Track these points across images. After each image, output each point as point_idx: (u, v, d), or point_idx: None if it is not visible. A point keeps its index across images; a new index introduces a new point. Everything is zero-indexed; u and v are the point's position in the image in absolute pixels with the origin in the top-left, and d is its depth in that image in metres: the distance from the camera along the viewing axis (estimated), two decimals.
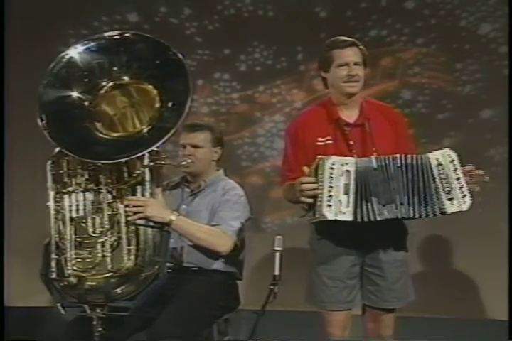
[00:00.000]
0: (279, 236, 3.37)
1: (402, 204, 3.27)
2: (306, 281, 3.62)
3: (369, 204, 3.26)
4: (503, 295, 4.86)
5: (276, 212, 5.37)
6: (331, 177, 3.23)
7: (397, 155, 3.29)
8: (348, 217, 3.23)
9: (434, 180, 3.29)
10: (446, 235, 5.05)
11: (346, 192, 3.24)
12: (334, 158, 3.26)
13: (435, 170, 3.29)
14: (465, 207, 3.30)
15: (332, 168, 3.24)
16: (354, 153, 3.44)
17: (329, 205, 3.22)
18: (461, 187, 3.29)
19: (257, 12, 5.42)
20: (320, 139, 3.51)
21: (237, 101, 5.49)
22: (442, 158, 3.31)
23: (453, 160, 3.31)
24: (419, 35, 5.26)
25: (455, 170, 3.30)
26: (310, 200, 3.28)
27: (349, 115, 3.56)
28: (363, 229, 3.36)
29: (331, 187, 3.23)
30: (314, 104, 3.73)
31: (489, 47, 5.17)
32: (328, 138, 3.51)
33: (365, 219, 3.25)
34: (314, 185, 3.26)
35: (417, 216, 3.29)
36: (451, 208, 3.29)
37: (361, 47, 3.55)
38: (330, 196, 3.23)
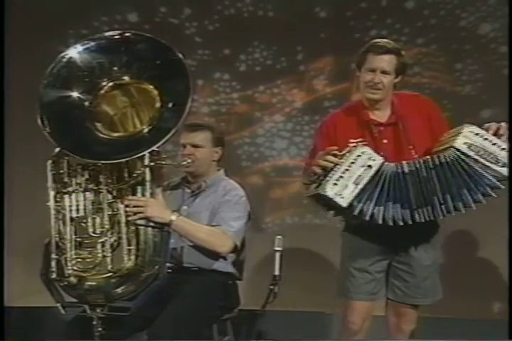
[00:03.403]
0: (279, 236, 3.39)
1: (442, 203, 3.31)
2: (337, 277, 3.66)
3: (381, 208, 3.31)
4: (503, 295, 4.86)
5: (276, 212, 5.38)
6: (353, 163, 3.29)
7: (428, 157, 3.32)
8: (343, 202, 3.27)
9: (476, 161, 3.31)
10: (446, 236, 5.04)
11: (356, 183, 3.27)
12: (366, 149, 3.32)
13: (471, 153, 3.31)
14: None
15: (359, 156, 3.30)
16: (387, 151, 3.45)
17: (335, 184, 3.26)
18: (503, 149, 3.32)
19: (257, 12, 5.42)
20: (352, 141, 3.51)
21: (237, 101, 5.49)
22: (467, 138, 3.32)
23: (477, 133, 3.33)
24: (419, 35, 5.26)
25: (485, 139, 3.32)
26: (319, 171, 3.32)
27: (380, 115, 3.60)
28: (396, 226, 3.38)
29: (347, 170, 3.28)
30: (346, 105, 3.78)
31: (489, 47, 5.17)
32: (360, 139, 3.52)
33: (355, 212, 3.29)
34: (335, 160, 3.30)
35: (472, 205, 3.33)
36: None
37: (402, 53, 3.56)
38: (341, 177, 3.27)
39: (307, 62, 5.35)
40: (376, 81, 3.51)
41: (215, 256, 3.68)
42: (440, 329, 4.73)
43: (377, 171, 3.31)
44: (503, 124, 3.41)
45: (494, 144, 3.32)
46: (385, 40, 3.60)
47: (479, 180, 3.30)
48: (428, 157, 3.34)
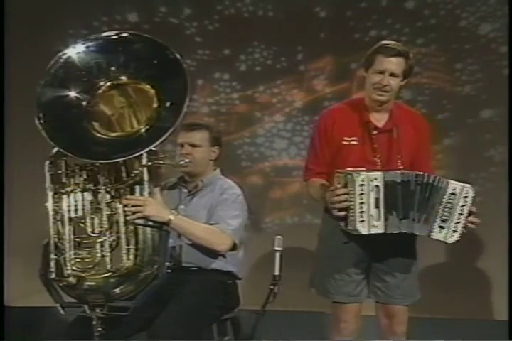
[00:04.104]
0: (279, 236, 3.39)
1: (414, 220, 3.37)
2: (312, 270, 3.66)
3: (392, 217, 3.36)
4: (503, 295, 4.87)
5: (276, 212, 5.38)
6: (362, 194, 3.32)
7: (421, 173, 3.37)
8: (380, 229, 3.34)
9: (439, 204, 3.36)
10: None
11: (377, 206, 3.34)
12: (363, 175, 3.33)
13: (446, 197, 3.36)
14: (449, 240, 3.40)
15: (362, 185, 3.32)
16: (378, 157, 3.48)
17: (362, 220, 3.33)
18: (457, 223, 3.37)
19: (257, 12, 5.42)
20: (346, 138, 3.56)
21: (237, 101, 5.48)
22: (460, 190, 3.37)
23: (466, 197, 3.38)
24: (419, 35, 5.25)
25: (463, 205, 3.37)
26: (342, 214, 3.38)
27: (378, 119, 3.61)
28: None
29: (362, 203, 3.32)
30: (347, 101, 3.78)
31: (489, 47, 5.17)
32: (354, 138, 3.56)
33: (394, 230, 3.35)
34: (345, 197, 3.34)
35: (420, 234, 3.42)
36: (437, 235, 3.39)
37: (410, 56, 3.55)
38: (362, 212, 3.33)
39: (307, 62, 5.35)
40: (385, 83, 3.51)
41: (214, 254, 3.68)
42: (440, 330, 4.73)
43: (385, 185, 3.34)
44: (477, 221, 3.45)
45: (460, 214, 3.38)
46: (394, 42, 3.60)
47: (430, 218, 3.37)
48: (421, 172, 3.37)
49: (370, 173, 3.35)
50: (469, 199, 3.37)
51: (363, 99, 3.64)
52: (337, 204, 3.37)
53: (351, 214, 3.34)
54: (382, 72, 3.51)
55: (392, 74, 3.51)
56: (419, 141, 3.65)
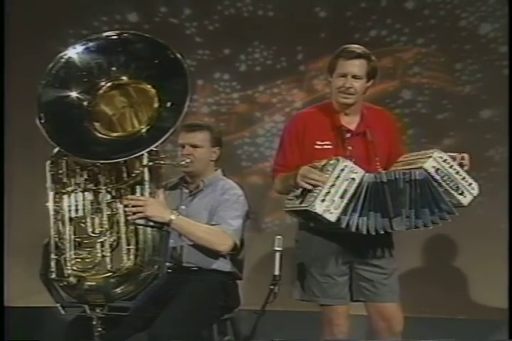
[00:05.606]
0: (279, 236, 3.39)
1: (407, 217, 3.37)
2: (296, 276, 3.66)
3: (348, 212, 3.33)
4: (503, 295, 4.87)
5: (276, 212, 5.37)
6: (337, 178, 3.33)
7: (407, 172, 3.38)
8: (332, 217, 3.32)
9: (440, 185, 3.39)
10: (446, 235, 5.05)
11: (342, 197, 3.32)
12: (348, 163, 3.36)
13: (437, 177, 3.39)
14: (475, 192, 3.44)
15: (342, 170, 3.33)
16: (353, 160, 3.48)
17: (323, 200, 3.31)
18: (463, 178, 3.42)
19: (257, 12, 5.43)
20: (318, 143, 3.57)
21: (237, 101, 5.49)
22: (436, 162, 3.40)
23: (445, 160, 3.42)
24: (419, 35, 5.26)
25: (451, 166, 3.41)
26: (309, 186, 3.35)
27: (349, 121, 3.63)
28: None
29: (332, 185, 3.32)
30: (316, 106, 3.78)
31: (489, 47, 5.18)
32: (327, 143, 3.58)
33: (342, 225, 3.33)
34: (321, 178, 3.33)
35: (430, 225, 3.39)
36: (466, 200, 3.43)
37: (372, 58, 3.57)
38: (328, 193, 3.32)
39: (307, 62, 5.36)
40: (348, 86, 3.53)
41: (214, 255, 3.68)
42: (440, 330, 4.73)
43: (360, 183, 3.35)
44: (466, 155, 3.49)
45: (457, 173, 3.42)
46: (355, 45, 3.61)
47: (440, 203, 3.38)
48: (407, 171, 3.39)
49: (355, 166, 3.37)
50: (448, 159, 3.41)
51: (331, 104, 3.66)
52: (310, 179, 3.35)
53: (315, 192, 3.32)
54: (344, 76, 3.54)
55: (354, 77, 3.54)
56: (390, 138, 3.68)
